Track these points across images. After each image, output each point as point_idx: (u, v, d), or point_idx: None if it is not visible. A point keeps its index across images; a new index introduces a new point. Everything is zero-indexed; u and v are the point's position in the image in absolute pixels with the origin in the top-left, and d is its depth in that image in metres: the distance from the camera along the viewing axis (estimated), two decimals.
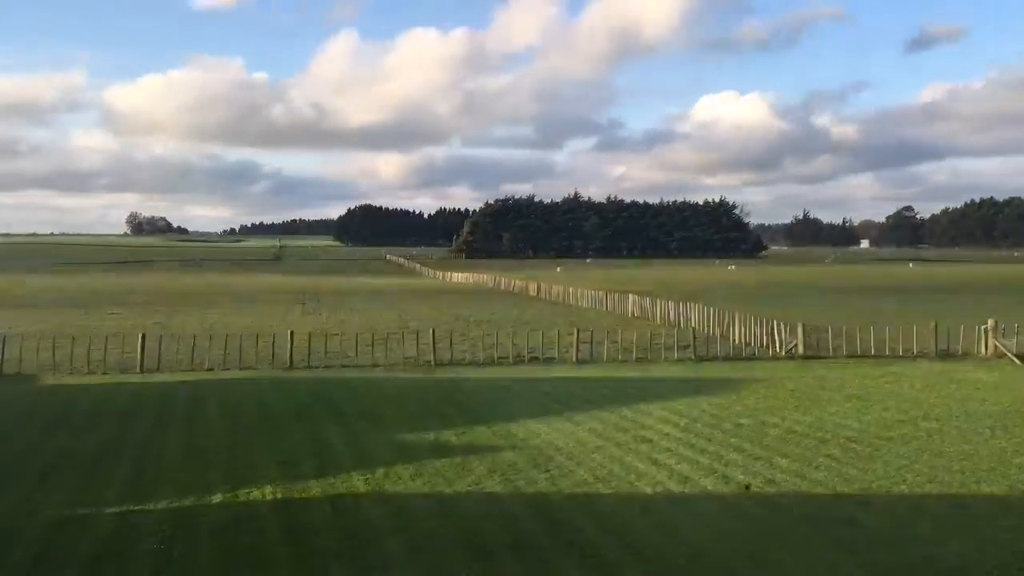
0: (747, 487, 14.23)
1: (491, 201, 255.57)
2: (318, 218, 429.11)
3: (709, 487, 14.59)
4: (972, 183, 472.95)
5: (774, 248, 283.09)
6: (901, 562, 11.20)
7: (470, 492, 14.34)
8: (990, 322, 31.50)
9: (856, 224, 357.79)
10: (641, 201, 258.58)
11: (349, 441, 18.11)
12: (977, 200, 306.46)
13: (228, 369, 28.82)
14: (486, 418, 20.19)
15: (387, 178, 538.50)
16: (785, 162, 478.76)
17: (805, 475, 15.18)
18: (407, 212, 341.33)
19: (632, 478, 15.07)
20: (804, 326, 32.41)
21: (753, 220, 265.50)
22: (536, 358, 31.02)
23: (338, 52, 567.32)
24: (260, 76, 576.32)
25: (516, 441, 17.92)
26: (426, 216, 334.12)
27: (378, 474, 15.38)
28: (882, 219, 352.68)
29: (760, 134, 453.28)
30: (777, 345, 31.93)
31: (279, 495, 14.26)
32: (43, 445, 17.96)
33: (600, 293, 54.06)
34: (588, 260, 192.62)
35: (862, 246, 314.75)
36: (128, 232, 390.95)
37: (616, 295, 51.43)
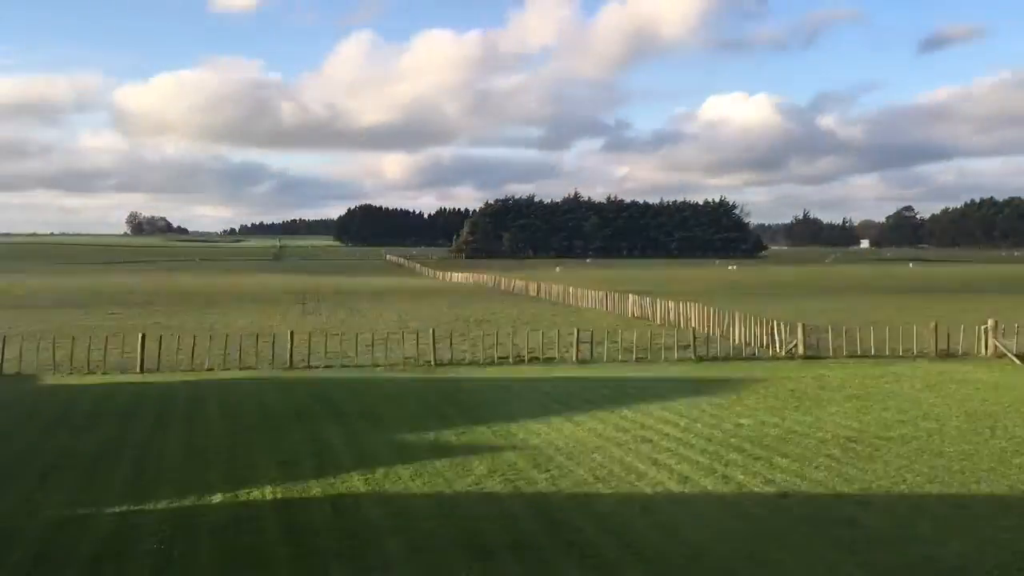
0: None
1: (491, 201, 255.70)
2: (318, 218, 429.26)
3: (709, 487, 14.58)
4: (980, 183, 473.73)
5: (774, 248, 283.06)
6: (901, 562, 11.20)
7: (470, 492, 14.34)
8: (990, 322, 31.50)
9: (856, 224, 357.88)
10: (642, 201, 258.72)
11: (349, 441, 18.11)
12: (977, 200, 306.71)
13: (228, 369, 28.82)
14: (486, 418, 20.19)
15: (392, 178, 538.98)
16: (790, 162, 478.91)
17: (805, 475, 15.18)
18: (407, 212, 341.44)
19: (632, 478, 15.07)
20: (804, 326, 32.41)
21: (753, 220, 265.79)
22: (536, 358, 31.02)
23: (352, 53, 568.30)
24: (273, 77, 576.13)
25: (516, 441, 17.92)
26: (426, 216, 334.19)
27: (378, 474, 15.38)
28: (882, 219, 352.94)
29: (766, 134, 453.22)
30: (777, 345, 31.93)
31: (279, 495, 14.26)
32: (43, 445, 17.96)
33: (600, 293, 54.06)
34: (588, 260, 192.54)
35: (862, 246, 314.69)
36: (128, 232, 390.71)
37: (616, 295, 51.42)
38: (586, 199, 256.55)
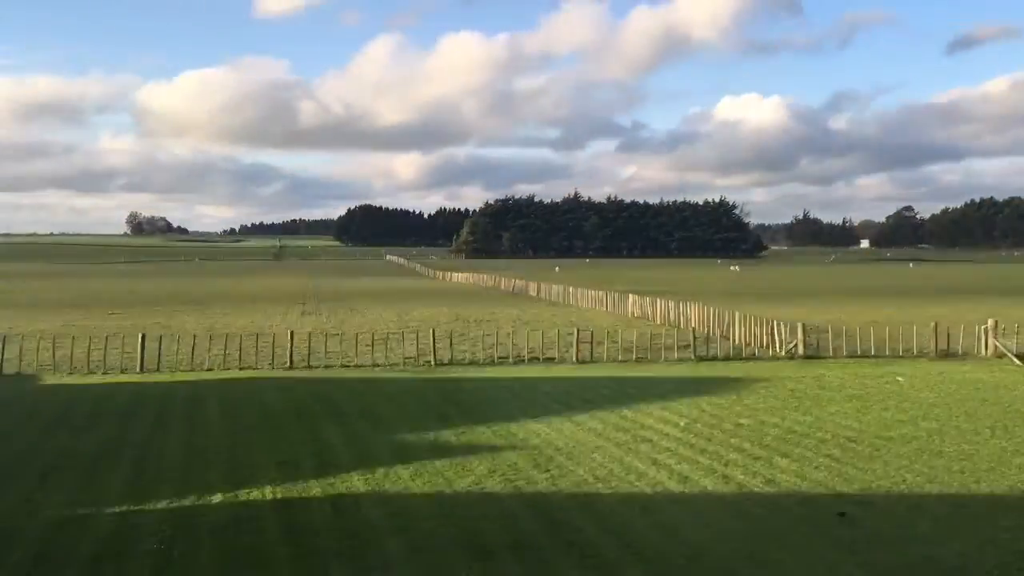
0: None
1: (491, 201, 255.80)
2: (319, 218, 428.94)
3: (709, 487, 14.58)
4: (991, 183, 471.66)
5: (774, 248, 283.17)
6: (901, 562, 11.20)
7: (470, 492, 14.34)
8: (990, 322, 31.50)
9: (856, 224, 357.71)
10: (643, 201, 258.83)
11: (349, 441, 18.11)
12: (977, 200, 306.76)
13: (228, 369, 28.82)
14: (486, 418, 20.18)
15: (405, 178, 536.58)
16: (798, 163, 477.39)
17: (805, 475, 15.18)
18: (407, 212, 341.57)
19: (632, 478, 15.07)
20: (804, 326, 32.41)
21: (753, 220, 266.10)
22: (536, 358, 31.02)
23: (378, 55, 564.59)
24: (296, 77, 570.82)
25: (516, 441, 17.92)
26: (426, 216, 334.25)
27: (378, 474, 15.37)
28: (882, 219, 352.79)
29: (777, 135, 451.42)
30: (777, 345, 31.92)
31: (279, 495, 14.26)
32: (43, 445, 17.96)
33: (600, 293, 54.05)
34: (587, 260, 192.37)
35: (862, 246, 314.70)
36: (128, 232, 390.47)
37: (616, 295, 51.42)
38: (586, 199, 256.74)
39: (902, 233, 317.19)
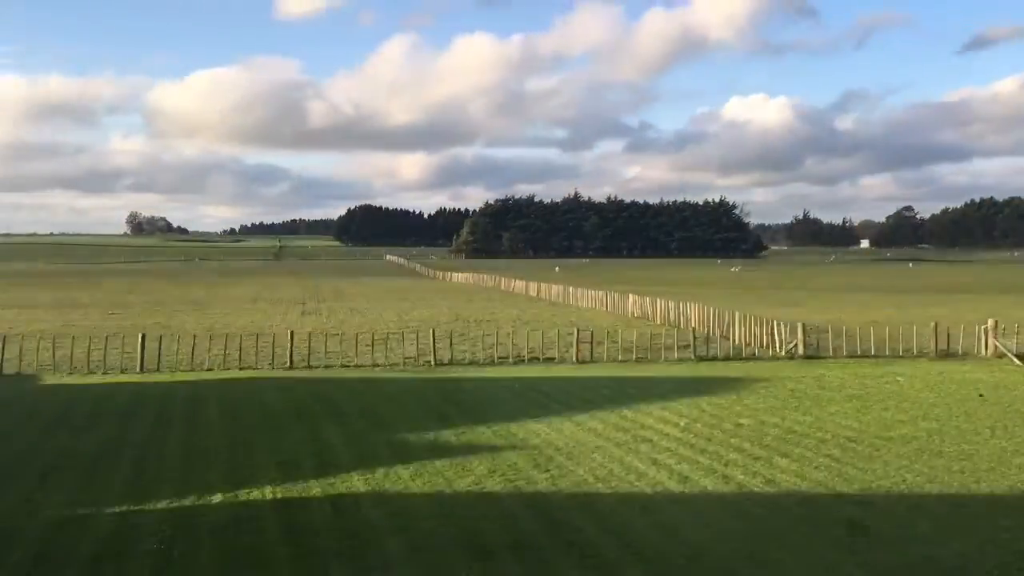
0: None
1: (491, 201, 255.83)
2: (319, 218, 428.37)
3: (709, 487, 14.58)
4: (993, 184, 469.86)
5: (774, 248, 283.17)
6: (901, 562, 11.20)
7: (470, 492, 14.34)
8: (990, 322, 31.50)
9: (856, 224, 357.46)
10: (643, 201, 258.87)
11: (349, 441, 18.11)
12: (977, 200, 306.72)
13: (228, 369, 28.83)
14: (486, 418, 20.18)
15: (409, 178, 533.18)
16: (802, 163, 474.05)
17: (805, 475, 15.18)
18: (407, 212, 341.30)
19: (632, 478, 15.07)
20: (804, 326, 32.42)
21: (753, 220, 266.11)
22: (536, 358, 31.03)
23: (391, 55, 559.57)
24: (307, 78, 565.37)
25: (516, 441, 17.92)
26: (426, 216, 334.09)
27: (378, 474, 15.37)
28: (882, 219, 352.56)
29: (782, 135, 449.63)
30: (777, 345, 31.93)
31: (279, 495, 14.25)
32: (43, 445, 17.96)
33: (600, 293, 54.05)
34: (586, 260, 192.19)
35: (862, 246, 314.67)
36: (128, 232, 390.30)
37: (616, 295, 51.42)
38: (586, 199, 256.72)
39: (902, 233, 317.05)
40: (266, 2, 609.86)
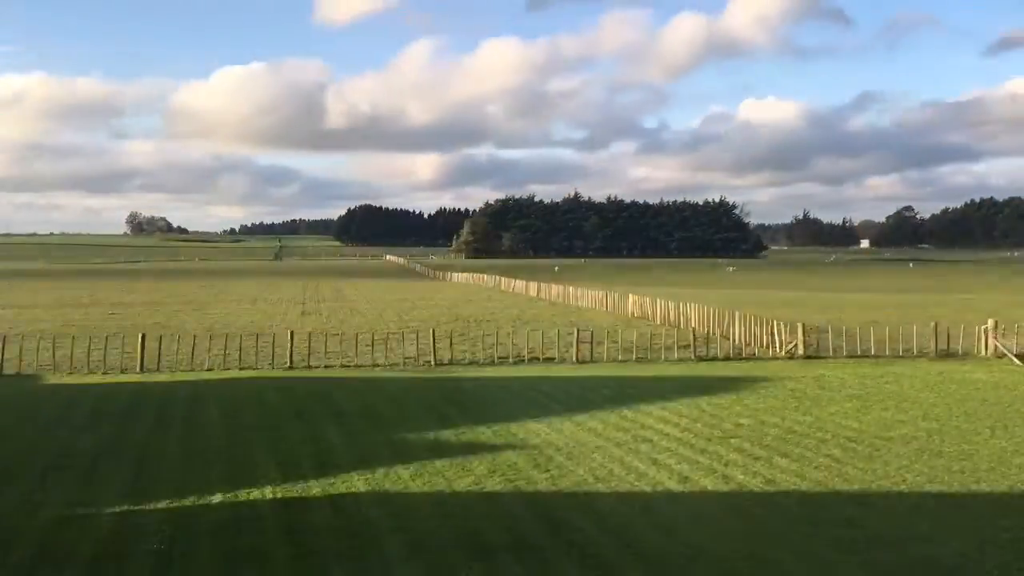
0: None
1: (492, 201, 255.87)
2: (319, 218, 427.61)
3: (709, 487, 14.59)
4: (1002, 184, 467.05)
5: (774, 248, 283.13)
6: (901, 562, 11.20)
7: (470, 492, 14.34)
8: (990, 322, 31.51)
9: (856, 224, 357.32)
10: (642, 201, 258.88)
11: (349, 441, 18.11)
12: (977, 200, 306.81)
13: (228, 369, 28.84)
14: (486, 418, 20.18)
15: (422, 179, 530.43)
16: (812, 164, 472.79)
17: (805, 475, 15.18)
18: (408, 212, 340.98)
19: (632, 478, 15.07)
20: (804, 326, 32.42)
21: (753, 220, 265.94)
22: (536, 358, 31.03)
23: (415, 58, 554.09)
24: (328, 80, 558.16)
25: (516, 441, 17.92)
26: (426, 216, 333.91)
27: (378, 474, 15.38)
28: (882, 219, 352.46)
29: (792, 136, 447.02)
30: (777, 345, 31.93)
31: (279, 495, 14.26)
32: (43, 445, 17.96)
33: (600, 293, 54.05)
34: (584, 260, 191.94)
35: (862, 246, 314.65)
36: (128, 232, 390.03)
37: (616, 295, 51.42)
38: (587, 199, 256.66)
39: (902, 233, 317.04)
40: (305, 7, 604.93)
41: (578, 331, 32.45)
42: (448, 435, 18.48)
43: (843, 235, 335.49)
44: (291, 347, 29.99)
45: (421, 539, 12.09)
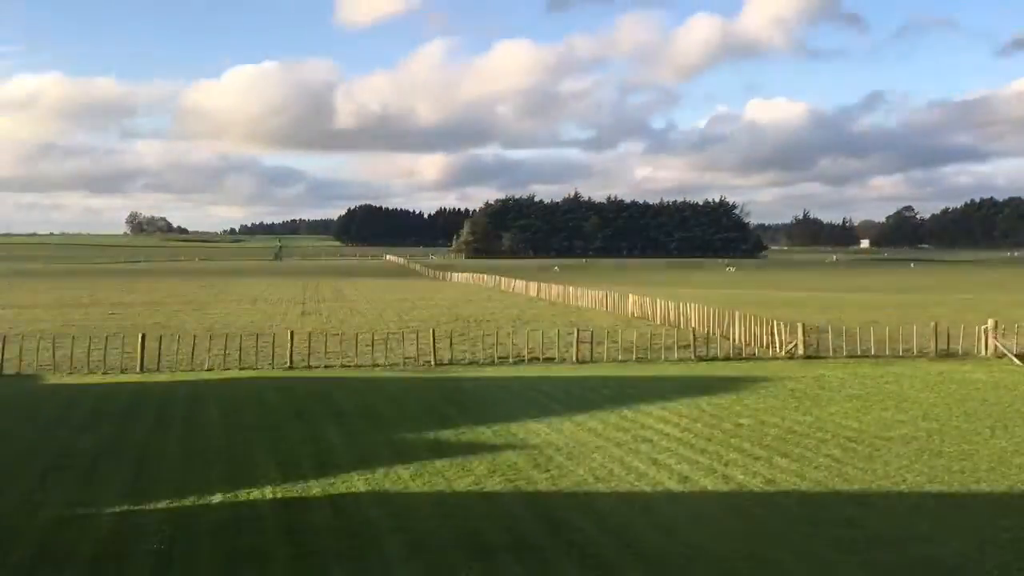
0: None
1: (492, 201, 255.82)
2: (320, 218, 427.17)
3: (709, 487, 14.59)
4: (1005, 184, 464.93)
5: (774, 248, 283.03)
6: (901, 562, 11.20)
7: (470, 492, 14.34)
8: (990, 322, 31.51)
9: (856, 224, 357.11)
10: (643, 201, 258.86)
11: (349, 441, 18.11)
12: (977, 200, 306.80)
13: (228, 369, 28.84)
14: (486, 418, 20.18)
15: (427, 179, 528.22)
16: (817, 164, 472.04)
17: (805, 475, 15.18)
18: (407, 212, 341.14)
19: (632, 478, 15.07)
20: (804, 326, 32.42)
21: (753, 220, 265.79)
22: (536, 358, 31.03)
23: (426, 58, 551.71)
24: (338, 80, 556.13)
25: (516, 441, 17.92)
26: (426, 216, 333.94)
27: (378, 474, 15.38)
28: (882, 219, 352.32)
29: (800, 136, 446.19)
30: (777, 345, 31.93)
31: (279, 495, 14.26)
32: (43, 445, 17.96)
33: (600, 293, 54.05)
34: (584, 260, 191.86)
35: (862, 246, 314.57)
36: (128, 232, 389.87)
37: (616, 295, 51.42)
38: (587, 199, 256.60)
39: (902, 233, 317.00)
40: (326, 8, 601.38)
41: (578, 331, 32.45)
42: (448, 435, 18.48)
43: (843, 235, 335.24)
44: (291, 347, 29.99)
45: (421, 539, 12.09)
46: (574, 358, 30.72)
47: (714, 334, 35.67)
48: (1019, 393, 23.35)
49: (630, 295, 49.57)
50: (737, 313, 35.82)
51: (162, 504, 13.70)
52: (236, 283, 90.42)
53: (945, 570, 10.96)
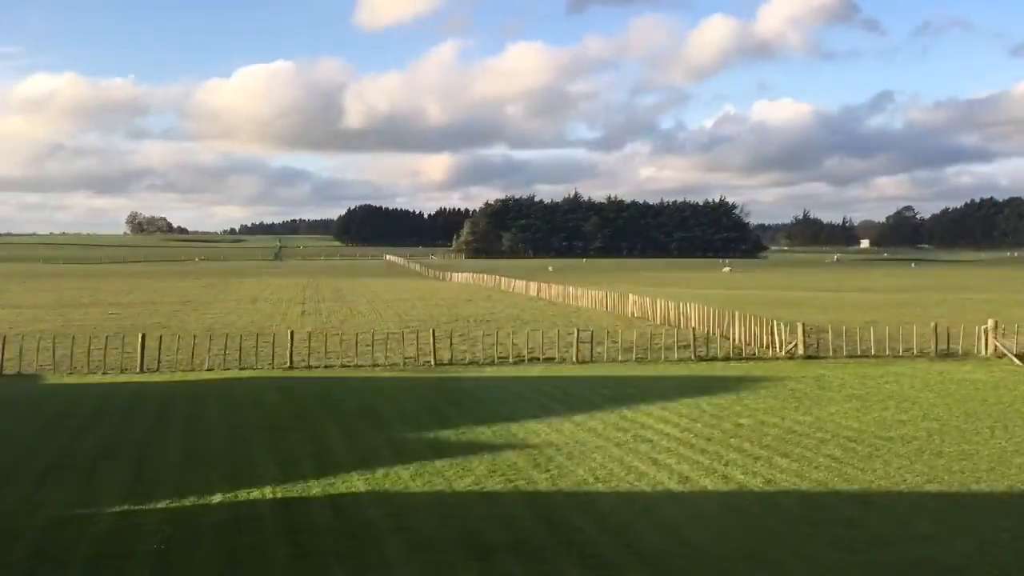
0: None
1: (492, 201, 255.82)
2: (319, 218, 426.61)
3: (709, 487, 14.59)
4: (1008, 185, 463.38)
5: (774, 248, 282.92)
6: (901, 562, 11.20)
7: (470, 492, 14.35)
8: (990, 322, 31.51)
9: (856, 224, 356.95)
10: (642, 201, 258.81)
11: (349, 441, 18.12)
12: (977, 200, 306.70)
13: (228, 369, 28.84)
14: (486, 418, 20.19)
15: (432, 180, 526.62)
16: (822, 164, 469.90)
17: (805, 475, 15.18)
18: (407, 212, 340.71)
19: (632, 478, 15.08)
20: (804, 326, 32.42)
21: (753, 220, 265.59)
22: (536, 358, 31.03)
23: (438, 59, 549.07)
24: (347, 81, 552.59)
25: (516, 441, 17.93)
26: (426, 216, 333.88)
27: (378, 474, 15.38)
28: (882, 219, 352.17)
29: (806, 136, 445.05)
30: (777, 345, 31.93)
31: (279, 495, 14.26)
32: (43, 445, 17.97)
33: (600, 293, 54.03)
34: (584, 260, 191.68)
35: (862, 246, 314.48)
36: (128, 232, 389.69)
37: (616, 295, 51.42)
38: (586, 199, 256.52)
39: (902, 233, 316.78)
40: (346, 9, 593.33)
41: (578, 331, 32.46)
42: (448, 435, 18.48)
43: (843, 235, 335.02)
44: (291, 347, 29.99)
45: (421, 539, 12.09)
46: (574, 358, 30.72)
47: (714, 334, 35.67)
48: (1019, 393, 23.36)
49: (630, 295, 49.55)
50: (737, 313, 35.81)
51: (162, 504, 13.71)
52: (236, 283, 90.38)
53: (945, 570, 10.96)
